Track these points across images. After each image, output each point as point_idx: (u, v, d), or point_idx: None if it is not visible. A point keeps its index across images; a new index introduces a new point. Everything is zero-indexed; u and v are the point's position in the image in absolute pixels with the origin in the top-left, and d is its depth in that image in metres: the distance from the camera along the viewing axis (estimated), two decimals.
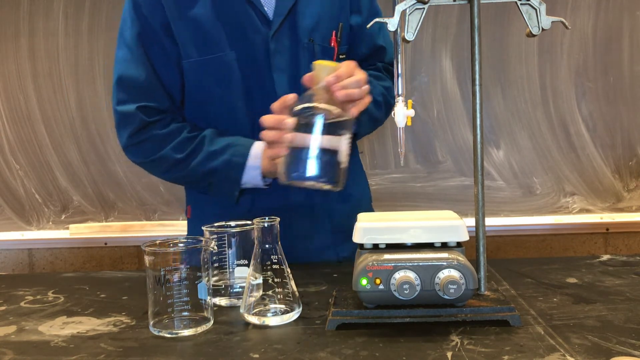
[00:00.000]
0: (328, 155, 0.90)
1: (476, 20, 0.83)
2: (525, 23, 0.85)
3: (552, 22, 0.84)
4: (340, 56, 1.21)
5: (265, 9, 1.15)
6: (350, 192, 1.22)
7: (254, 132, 1.16)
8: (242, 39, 1.15)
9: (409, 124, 0.90)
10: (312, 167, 0.89)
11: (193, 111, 1.23)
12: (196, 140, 1.15)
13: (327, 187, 0.91)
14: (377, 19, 0.86)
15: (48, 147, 2.11)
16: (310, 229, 1.21)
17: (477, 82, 0.83)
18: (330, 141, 0.91)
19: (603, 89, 2.04)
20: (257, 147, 1.13)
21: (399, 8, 0.84)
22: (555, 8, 1.99)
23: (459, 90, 2.07)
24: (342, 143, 0.92)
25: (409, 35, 0.85)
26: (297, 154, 0.91)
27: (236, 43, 1.15)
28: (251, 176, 1.13)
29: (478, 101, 0.83)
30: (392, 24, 0.85)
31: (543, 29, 0.85)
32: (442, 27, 2.06)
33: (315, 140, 0.89)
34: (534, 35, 0.86)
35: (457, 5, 0.86)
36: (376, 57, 1.32)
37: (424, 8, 0.84)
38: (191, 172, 1.16)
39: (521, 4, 0.84)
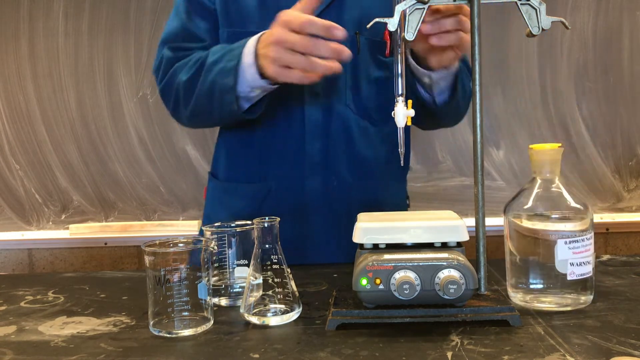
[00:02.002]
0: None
1: (476, 20, 0.83)
2: (525, 23, 0.85)
3: (552, 22, 0.84)
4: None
5: None
6: (383, 199, 1.20)
7: (281, 122, 1.14)
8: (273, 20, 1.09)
9: (409, 123, 0.90)
10: None
11: None
12: (203, 56, 1.11)
13: None
14: (377, 19, 0.86)
15: (48, 147, 2.11)
16: (328, 231, 1.17)
17: (477, 82, 0.83)
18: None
19: (603, 89, 2.04)
20: (251, 46, 1.03)
21: (399, 8, 0.84)
22: (555, 8, 1.99)
23: None
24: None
25: (409, 35, 0.85)
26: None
27: (266, 24, 1.09)
28: (249, 79, 1.04)
29: (478, 101, 0.83)
30: (392, 24, 0.85)
31: (543, 29, 0.85)
32: None
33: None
34: (534, 35, 0.86)
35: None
36: None
37: (424, 8, 0.84)
38: (199, 94, 1.10)
39: (521, 4, 0.84)
